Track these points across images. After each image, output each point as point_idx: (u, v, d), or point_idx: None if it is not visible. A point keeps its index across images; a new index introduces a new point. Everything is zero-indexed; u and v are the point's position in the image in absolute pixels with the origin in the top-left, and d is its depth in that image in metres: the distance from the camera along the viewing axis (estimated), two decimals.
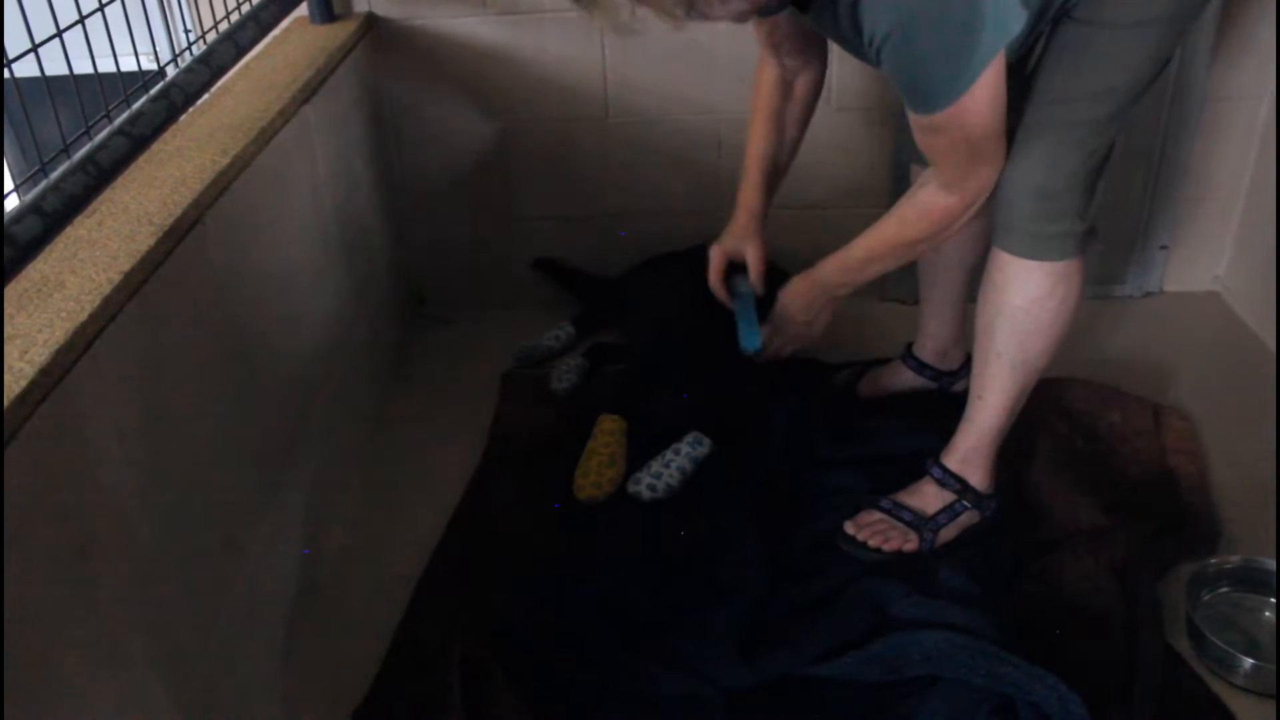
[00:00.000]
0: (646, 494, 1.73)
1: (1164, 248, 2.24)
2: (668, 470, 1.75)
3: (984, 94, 1.28)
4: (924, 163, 1.70)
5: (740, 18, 1.31)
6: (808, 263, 2.16)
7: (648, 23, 1.21)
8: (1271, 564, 1.54)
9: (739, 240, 1.77)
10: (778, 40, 1.62)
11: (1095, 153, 1.42)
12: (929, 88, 1.28)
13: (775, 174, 1.77)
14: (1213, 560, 1.56)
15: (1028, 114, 1.43)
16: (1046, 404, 1.84)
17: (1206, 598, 1.54)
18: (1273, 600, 1.53)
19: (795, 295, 1.70)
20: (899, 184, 2.10)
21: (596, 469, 1.75)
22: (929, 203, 1.49)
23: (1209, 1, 1.37)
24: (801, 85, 1.69)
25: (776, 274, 2.14)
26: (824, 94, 1.83)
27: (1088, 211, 1.45)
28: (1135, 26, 1.34)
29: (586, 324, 2.23)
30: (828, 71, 1.71)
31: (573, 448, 1.81)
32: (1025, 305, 1.48)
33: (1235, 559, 1.55)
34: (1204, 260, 2.26)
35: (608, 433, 1.81)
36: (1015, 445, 1.70)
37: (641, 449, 1.80)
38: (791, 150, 1.77)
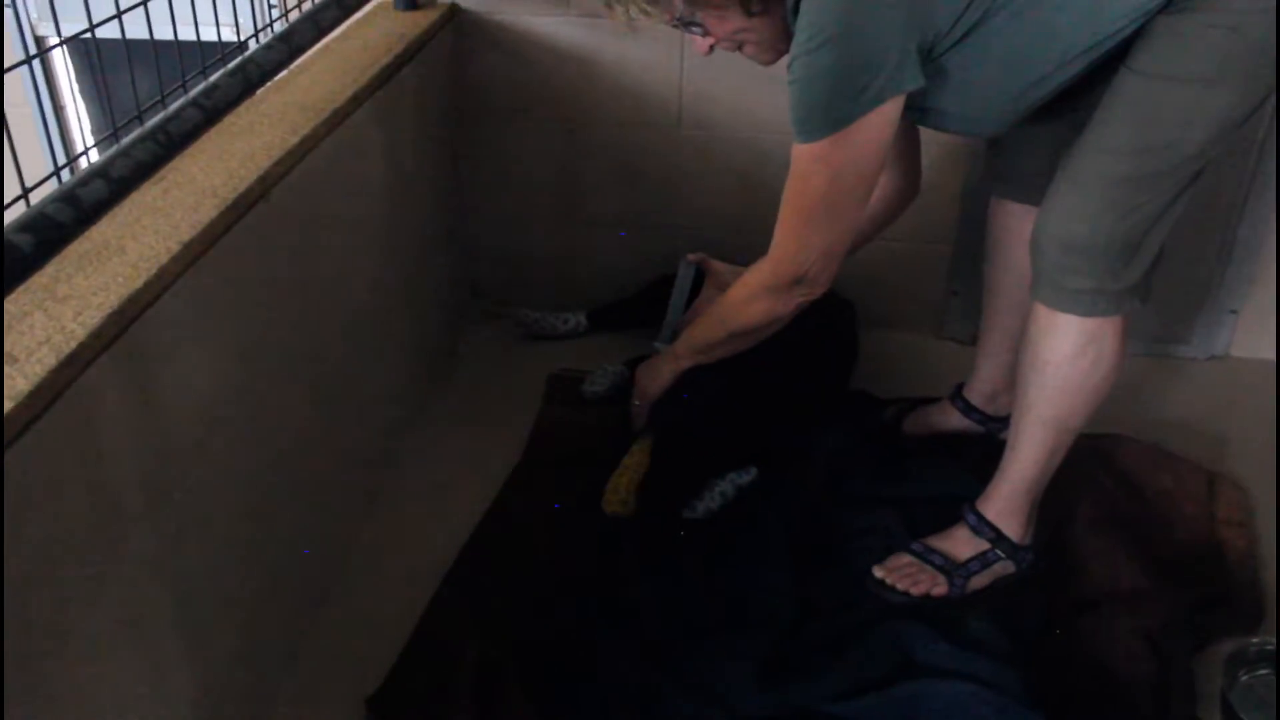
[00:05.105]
0: (685, 514, 1.71)
1: (1234, 311, 2.19)
2: (710, 493, 1.73)
3: (848, 148, 1.30)
4: (1010, 197, 1.67)
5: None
6: (871, 297, 2.14)
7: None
8: None
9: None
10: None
11: (1139, 210, 1.35)
12: (816, 107, 1.29)
13: None
14: (1254, 640, 1.51)
15: (1070, 161, 1.38)
16: (1096, 461, 1.80)
17: (1244, 678, 1.50)
18: None
19: (647, 363, 1.78)
20: (970, 221, 2.07)
21: (626, 487, 1.72)
22: (750, 271, 1.51)
23: None
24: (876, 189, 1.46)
25: (841, 306, 2.09)
26: None
27: (1126, 271, 1.39)
28: (1188, 82, 1.28)
29: (600, 320, 2.25)
30: None
31: (609, 457, 1.78)
32: (1056, 361, 1.45)
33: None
34: (1274, 328, 2.20)
35: (645, 451, 1.77)
36: (1060, 500, 1.67)
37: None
38: None
